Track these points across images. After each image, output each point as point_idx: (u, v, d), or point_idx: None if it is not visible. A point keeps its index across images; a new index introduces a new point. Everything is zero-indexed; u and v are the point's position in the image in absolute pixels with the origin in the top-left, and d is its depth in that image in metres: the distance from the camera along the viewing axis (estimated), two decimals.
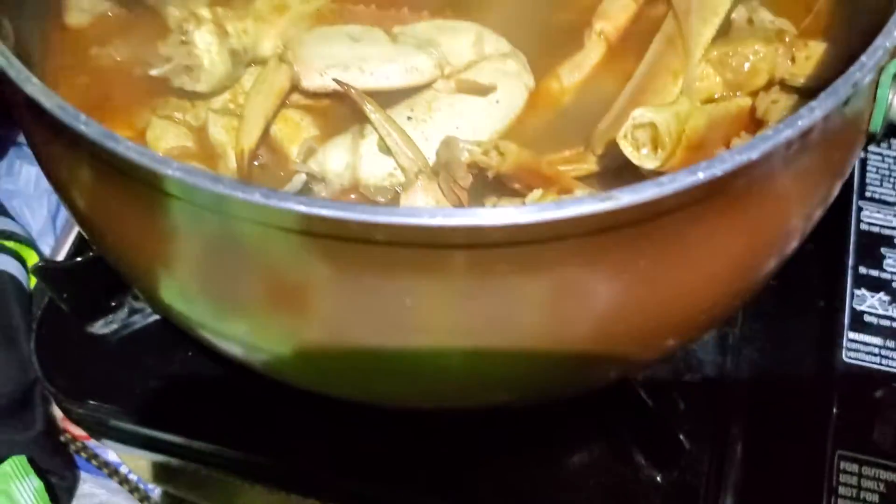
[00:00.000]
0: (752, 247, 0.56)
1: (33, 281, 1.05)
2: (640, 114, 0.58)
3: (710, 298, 0.58)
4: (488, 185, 0.64)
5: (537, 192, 0.61)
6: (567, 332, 0.55)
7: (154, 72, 0.66)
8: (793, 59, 0.69)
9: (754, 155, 0.46)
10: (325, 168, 0.66)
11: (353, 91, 0.66)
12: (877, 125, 0.59)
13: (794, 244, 0.62)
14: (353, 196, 0.67)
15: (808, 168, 0.54)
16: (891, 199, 0.85)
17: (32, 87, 0.48)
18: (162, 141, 0.69)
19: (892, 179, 0.86)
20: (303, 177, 0.66)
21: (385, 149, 0.66)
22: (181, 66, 0.66)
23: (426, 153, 0.66)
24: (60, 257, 1.09)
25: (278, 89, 0.68)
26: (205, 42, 0.66)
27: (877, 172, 0.87)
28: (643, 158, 0.58)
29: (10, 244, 1.06)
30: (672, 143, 0.58)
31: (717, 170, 0.45)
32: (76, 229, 1.03)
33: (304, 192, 0.66)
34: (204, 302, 0.62)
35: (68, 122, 0.47)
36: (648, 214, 0.46)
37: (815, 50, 0.69)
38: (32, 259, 1.07)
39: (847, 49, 0.71)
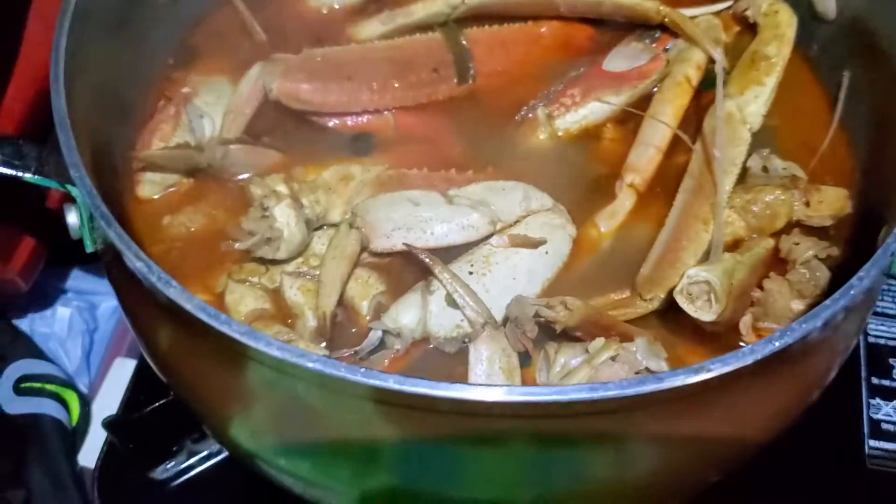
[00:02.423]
0: (802, 392, 0.63)
1: (74, 419, 1.08)
2: (695, 273, 0.65)
3: (762, 437, 0.65)
4: (549, 332, 0.71)
5: (599, 341, 0.68)
6: (632, 478, 0.61)
7: (238, 245, 0.71)
8: (807, 204, 0.77)
9: (818, 322, 0.53)
10: (399, 324, 0.72)
11: (421, 254, 0.72)
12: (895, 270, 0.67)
13: (834, 373, 0.69)
14: (428, 347, 0.72)
15: (849, 318, 0.62)
16: (892, 312, 0.94)
17: (173, 290, 0.54)
18: (241, 304, 0.74)
19: (891, 293, 0.95)
20: (379, 333, 0.71)
21: (452, 303, 0.72)
22: (263, 238, 0.72)
23: (487, 303, 0.72)
24: (97, 395, 1.12)
25: (350, 253, 0.74)
26: (284, 215, 0.72)
27: None
28: (699, 311, 0.65)
29: (50, 387, 1.09)
30: (725, 297, 0.65)
31: (789, 338, 0.52)
32: (121, 374, 1.08)
33: (380, 346, 0.72)
34: (272, 443, 0.67)
35: (210, 322, 0.53)
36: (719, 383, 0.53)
37: (827, 194, 0.78)
38: (72, 399, 1.10)
39: (856, 189, 0.81)
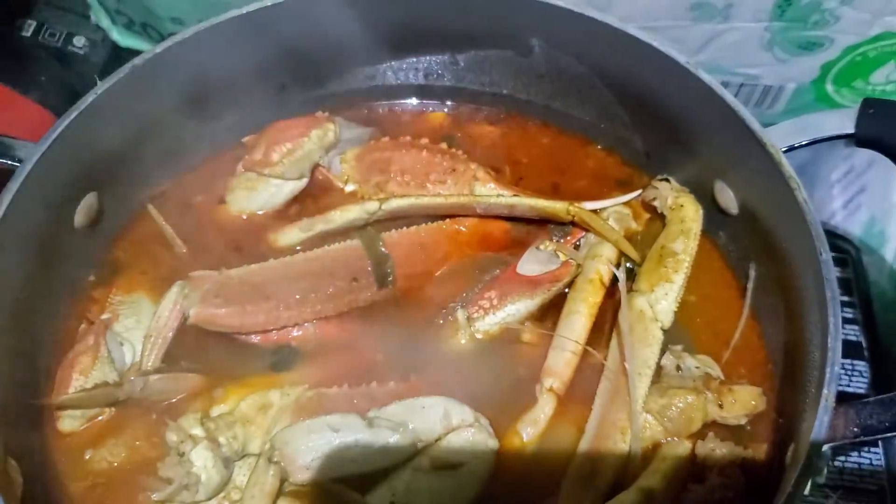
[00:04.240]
0: None
1: None
2: None
3: None
4: None
5: None
6: None
7: (156, 496, 0.71)
8: (721, 405, 0.79)
9: None
10: None
11: (342, 493, 0.72)
12: (806, 491, 0.68)
13: None
14: None
15: None
16: (819, 482, 0.94)
17: None
18: None
19: None
20: None
21: None
22: (181, 485, 0.72)
23: None
24: None
25: (270, 490, 0.74)
26: (201, 459, 0.72)
27: None
28: None
29: None
30: None
31: None
32: None
33: None
34: None
35: None
36: None
37: (740, 394, 0.79)
38: None
39: (769, 382, 0.83)
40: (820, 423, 0.61)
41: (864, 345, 1.05)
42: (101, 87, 0.81)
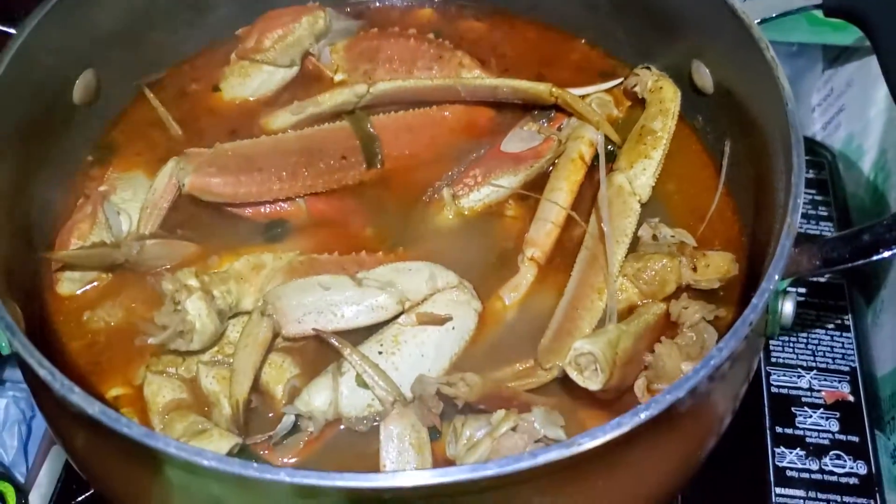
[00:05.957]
0: (693, 447, 0.67)
1: None
2: (580, 345, 0.69)
3: (658, 493, 0.69)
4: (455, 407, 0.74)
5: (500, 413, 0.71)
6: None
7: (151, 340, 0.74)
8: (695, 269, 0.82)
9: (681, 393, 0.57)
10: (311, 407, 0.75)
11: (331, 338, 0.76)
12: (773, 330, 0.72)
13: (724, 428, 0.74)
14: (341, 427, 0.76)
15: (726, 379, 0.66)
16: (793, 362, 0.98)
17: (76, 396, 0.57)
18: (159, 396, 0.77)
19: (791, 344, 1.00)
20: (292, 417, 0.75)
21: (362, 383, 0.75)
22: (176, 332, 0.75)
23: (397, 381, 0.76)
24: (35, 484, 1.13)
25: (262, 340, 0.77)
26: (196, 308, 0.75)
27: (778, 339, 1.00)
28: (587, 381, 0.70)
29: None
30: (609, 367, 0.69)
31: (654, 410, 0.56)
32: (58, 464, 1.08)
33: (294, 430, 0.75)
34: None
35: (111, 425, 0.55)
36: (602, 450, 0.57)
37: (713, 259, 0.83)
38: (9, 491, 1.10)
39: (743, 252, 0.86)
40: (782, 247, 0.65)
41: None
42: None
